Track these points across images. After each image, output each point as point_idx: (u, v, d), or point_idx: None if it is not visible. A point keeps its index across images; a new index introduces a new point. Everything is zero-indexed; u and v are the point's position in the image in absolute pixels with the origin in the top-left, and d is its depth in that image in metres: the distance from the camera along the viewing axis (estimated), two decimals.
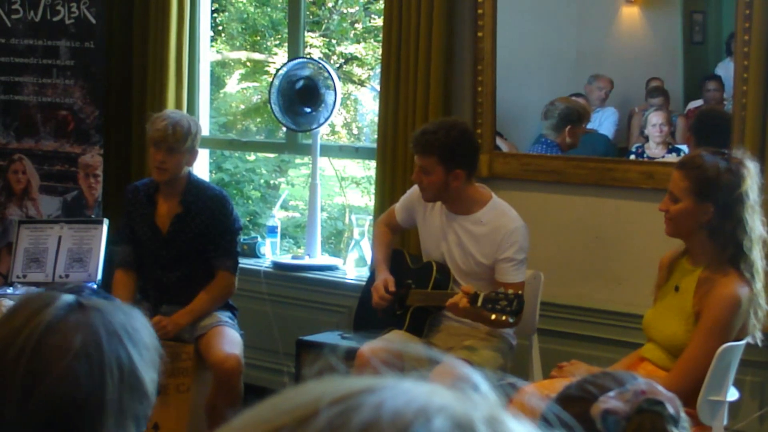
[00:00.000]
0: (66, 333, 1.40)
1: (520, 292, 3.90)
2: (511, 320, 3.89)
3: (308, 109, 5.52)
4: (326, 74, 5.52)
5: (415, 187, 4.34)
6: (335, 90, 5.46)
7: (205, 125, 6.24)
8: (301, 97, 5.52)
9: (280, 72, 5.57)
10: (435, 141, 4.10)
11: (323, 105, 5.48)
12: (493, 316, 3.86)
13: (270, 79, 7.63)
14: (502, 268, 4.13)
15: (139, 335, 1.46)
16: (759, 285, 3.52)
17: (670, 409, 1.52)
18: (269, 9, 7.89)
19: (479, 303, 3.88)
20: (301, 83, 5.53)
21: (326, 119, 5.52)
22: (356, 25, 7.79)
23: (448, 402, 0.65)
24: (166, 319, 4.52)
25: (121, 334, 1.43)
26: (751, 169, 3.51)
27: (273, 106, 5.54)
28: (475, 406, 0.66)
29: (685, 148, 4.53)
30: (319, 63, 5.71)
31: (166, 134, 4.53)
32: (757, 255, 3.52)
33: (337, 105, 5.50)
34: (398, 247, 4.68)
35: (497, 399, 0.69)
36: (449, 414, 0.64)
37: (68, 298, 1.45)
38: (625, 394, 1.52)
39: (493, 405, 0.67)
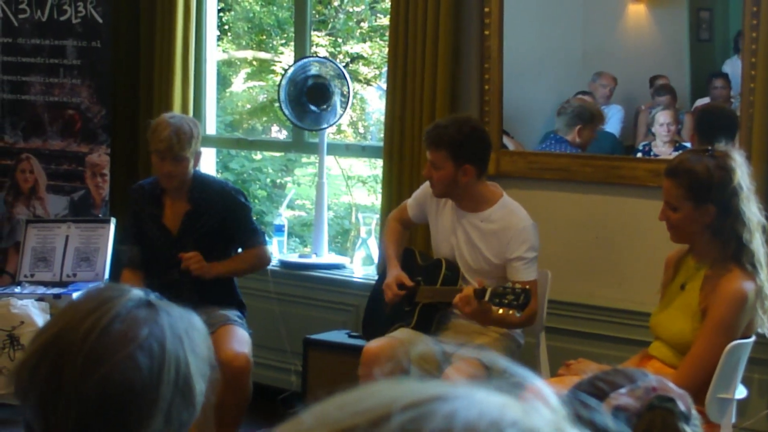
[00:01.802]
0: (133, 324, 1.44)
1: (527, 287, 3.90)
2: (518, 314, 3.89)
3: (317, 108, 5.51)
4: (337, 73, 5.52)
5: (428, 183, 4.36)
6: (348, 89, 5.46)
7: (211, 124, 6.25)
8: (311, 96, 5.51)
9: (290, 70, 5.56)
10: (446, 135, 4.12)
11: (333, 104, 5.48)
12: (501, 311, 3.87)
13: (276, 78, 7.62)
14: (513, 267, 4.14)
15: (197, 345, 1.49)
16: (763, 276, 3.52)
17: (681, 406, 1.52)
18: (275, 8, 7.89)
19: (487, 297, 3.89)
20: (311, 82, 5.52)
21: (339, 117, 5.52)
22: (362, 24, 7.79)
23: (519, 417, 0.66)
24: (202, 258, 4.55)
25: (183, 338, 1.47)
26: (738, 159, 3.51)
27: (281, 103, 5.53)
28: (544, 421, 0.67)
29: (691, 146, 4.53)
30: (331, 61, 5.71)
31: (171, 144, 4.48)
32: (757, 244, 3.52)
33: (349, 104, 5.51)
34: (406, 245, 4.68)
35: (564, 412, 0.69)
36: (521, 429, 0.65)
37: (140, 293, 1.49)
38: (636, 390, 1.52)
39: (560, 419, 0.68)
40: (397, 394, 0.67)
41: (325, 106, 5.49)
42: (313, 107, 5.51)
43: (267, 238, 4.96)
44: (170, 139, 4.48)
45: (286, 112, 5.54)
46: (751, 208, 3.51)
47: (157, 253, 4.70)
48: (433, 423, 0.64)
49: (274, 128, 7.92)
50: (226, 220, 4.67)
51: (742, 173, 3.50)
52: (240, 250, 4.78)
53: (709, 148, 3.59)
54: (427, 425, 0.64)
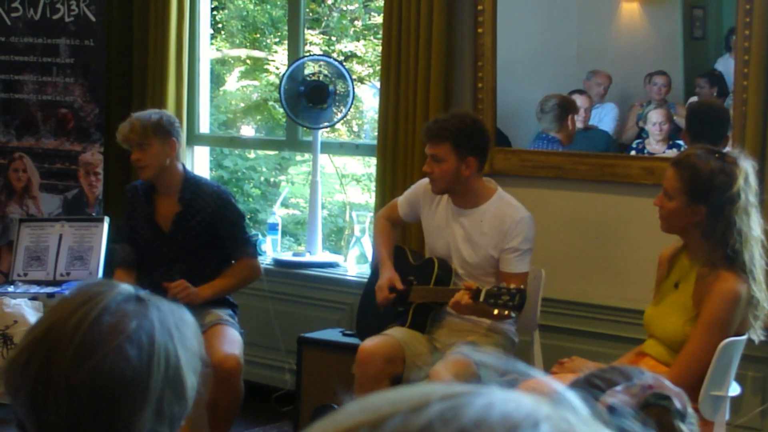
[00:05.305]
0: (123, 316, 1.44)
1: (522, 286, 3.91)
2: (513, 315, 3.91)
3: (315, 107, 5.50)
4: (336, 71, 5.51)
5: (421, 182, 4.35)
6: (350, 87, 5.46)
7: (204, 123, 6.24)
8: (310, 94, 5.50)
9: (289, 69, 5.55)
10: (448, 127, 4.13)
11: (331, 103, 5.47)
12: (496, 311, 3.88)
13: (270, 77, 7.60)
14: (507, 258, 4.15)
15: (187, 339, 1.50)
16: (755, 286, 3.52)
17: (677, 404, 1.52)
18: (269, 6, 7.88)
19: (481, 298, 3.89)
20: (310, 80, 5.51)
21: (342, 116, 5.52)
22: (356, 23, 7.78)
23: (553, 413, 0.69)
24: (189, 285, 4.50)
25: (173, 332, 1.47)
26: (744, 169, 3.50)
27: (282, 101, 5.52)
28: (577, 418, 0.71)
29: None
30: (329, 59, 5.70)
31: (125, 133, 4.60)
32: (752, 256, 3.51)
33: (350, 103, 5.50)
34: (398, 243, 4.68)
35: (591, 415, 0.73)
36: (555, 423, 0.68)
37: (129, 288, 1.50)
38: (632, 388, 1.52)
39: (590, 420, 0.72)
40: (435, 388, 0.70)
41: (323, 105, 5.48)
42: (311, 105, 5.50)
43: (258, 250, 4.90)
44: (125, 128, 4.61)
45: (285, 109, 5.53)
46: (747, 221, 3.50)
47: (149, 250, 4.70)
48: (471, 411, 0.67)
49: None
50: (215, 224, 4.65)
51: (746, 184, 3.49)
52: (233, 261, 4.74)
53: (721, 149, 3.60)
54: (465, 413, 0.67)
